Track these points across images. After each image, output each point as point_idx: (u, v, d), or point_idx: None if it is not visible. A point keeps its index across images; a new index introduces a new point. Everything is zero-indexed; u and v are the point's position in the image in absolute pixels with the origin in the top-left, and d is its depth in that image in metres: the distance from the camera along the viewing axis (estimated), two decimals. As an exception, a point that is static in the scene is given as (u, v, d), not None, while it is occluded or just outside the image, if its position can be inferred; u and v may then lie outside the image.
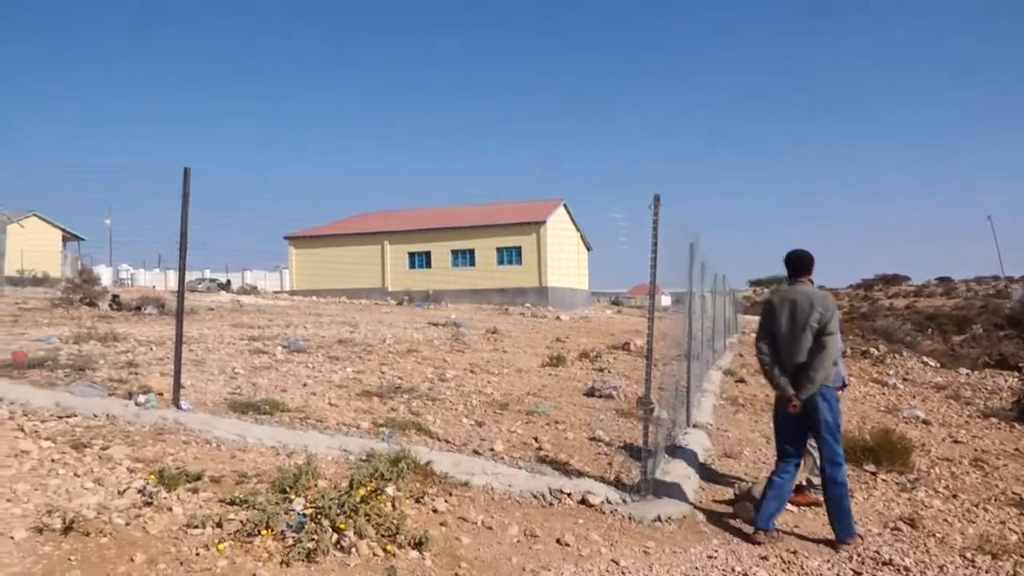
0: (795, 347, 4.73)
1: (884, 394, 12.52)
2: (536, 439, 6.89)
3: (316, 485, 4.65)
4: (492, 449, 6.35)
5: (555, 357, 13.14)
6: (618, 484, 5.39)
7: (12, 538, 3.72)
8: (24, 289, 34.37)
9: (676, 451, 6.51)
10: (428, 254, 43.52)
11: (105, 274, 41.76)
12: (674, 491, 5.34)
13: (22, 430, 5.74)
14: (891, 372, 16.07)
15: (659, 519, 4.87)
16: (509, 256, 41.87)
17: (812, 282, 4.98)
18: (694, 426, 7.99)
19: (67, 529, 3.81)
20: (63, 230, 50.83)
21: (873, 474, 6.48)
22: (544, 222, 40.90)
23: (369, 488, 4.34)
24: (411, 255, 44.04)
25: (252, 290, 44.18)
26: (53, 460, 5.05)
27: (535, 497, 5.10)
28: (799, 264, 4.96)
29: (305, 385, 8.78)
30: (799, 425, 4.83)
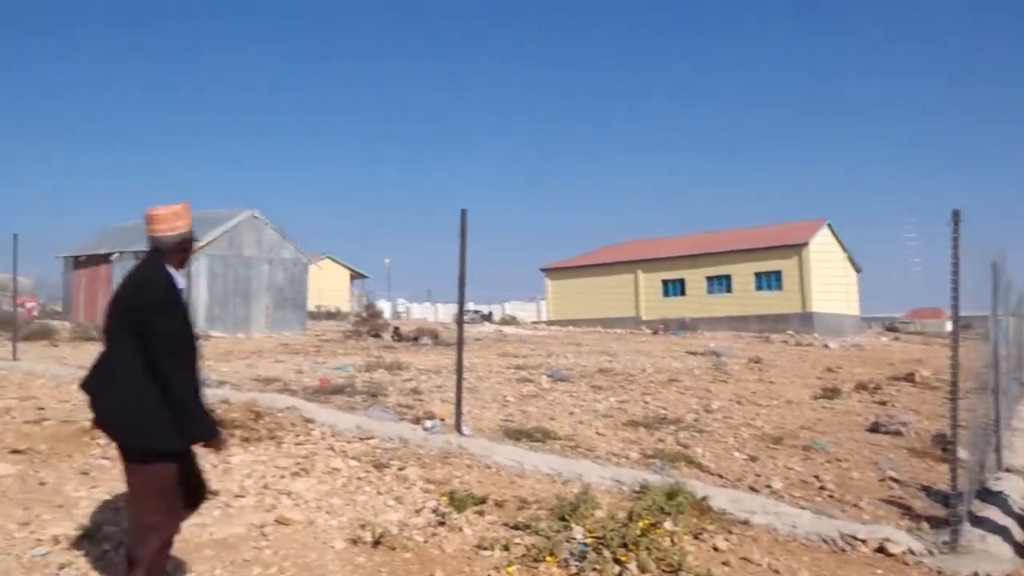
0: None
1: None
2: (817, 477, 6.43)
3: (594, 515, 4.71)
4: (769, 486, 6.04)
5: (828, 388, 12.25)
6: (920, 532, 4.86)
7: (332, 547, 4.18)
8: (321, 322, 38.93)
9: (987, 497, 5.73)
10: (682, 281, 42.85)
11: (385, 308, 46.09)
12: (990, 544, 4.69)
13: (332, 450, 6.47)
14: None
15: (976, 576, 4.31)
16: (768, 281, 39.96)
17: None
18: (1006, 470, 7.01)
19: (376, 543, 4.21)
20: (351, 269, 57.14)
21: None
22: (806, 244, 38.59)
23: (648, 521, 4.31)
24: (665, 283, 43.63)
25: (512, 321, 46.34)
26: (359, 478, 5.63)
27: (824, 541, 4.75)
28: None
29: (572, 414, 8.99)
30: None
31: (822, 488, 6.11)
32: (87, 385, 3.18)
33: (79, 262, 31.05)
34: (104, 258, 29.67)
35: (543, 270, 49.32)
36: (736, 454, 7.27)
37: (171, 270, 3.14)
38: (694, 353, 20.17)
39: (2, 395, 9.44)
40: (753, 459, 7.06)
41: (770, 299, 38.95)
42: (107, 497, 4.98)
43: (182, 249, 3.17)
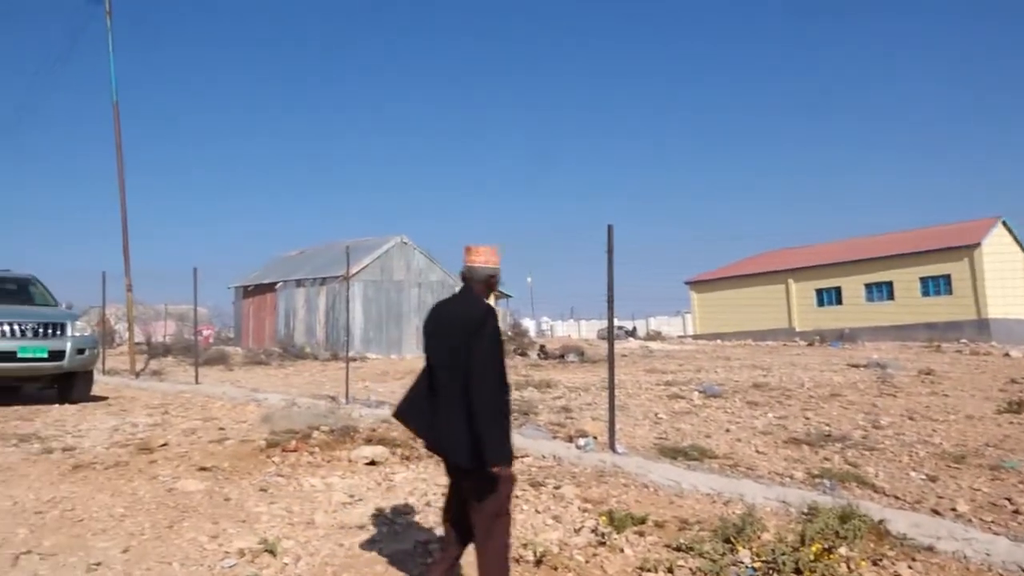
0: None
1: None
2: (1009, 500, 5.86)
3: (760, 537, 4.51)
4: (954, 509, 5.56)
5: (1015, 402, 11.17)
6: None
7: (499, 566, 4.23)
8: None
9: None
10: (838, 290, 40.69)
11: (530, 326, 46.57)
12: None
13: (489, 468, 6.57)
14: None
15: None
16: (936, 286, 37.22)
17: None
18: None
19: (538, 562, 4.22)
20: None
21: None
22: (978, 244, 35.65)
23: (821, 546, 4.08)
24: (819, 292, 41.60)
25: (656, 336, 45.59)
26: (517, 496, 5.67)
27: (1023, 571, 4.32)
28: None
29: (728, 431, 8.70)
30: None
31: (1016, 512, 5.56)
32: (408, 412, 3.56)
33: (248, 291, 33.44)
34: (270, 287, 31.79)
35: (688, 283, 48.29)
36: (912, 474, 6.76)
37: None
38: (856, 365, 19.02)
39: (188, 416, 10.28)
40: (932, 479, 6.54)
41: (939, 305, 36.23)
42: (284, 513, 5.30)
43: (490, 284, 3.51)
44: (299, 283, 29.74)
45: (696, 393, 12.27)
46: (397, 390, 13.68)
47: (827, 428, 8.97)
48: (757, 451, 7.58)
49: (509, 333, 28.49)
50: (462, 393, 3.19)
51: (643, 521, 4.95)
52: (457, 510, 3.47)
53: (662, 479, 6.10)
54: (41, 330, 11.55)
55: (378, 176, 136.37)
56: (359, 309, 26.89)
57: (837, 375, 16.16)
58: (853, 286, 40.04)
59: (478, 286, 3.45)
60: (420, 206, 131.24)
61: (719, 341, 40.12)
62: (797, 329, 40.94)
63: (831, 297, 41.38)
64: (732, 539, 4.42)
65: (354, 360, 16.51)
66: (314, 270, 29.75)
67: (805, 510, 5.19)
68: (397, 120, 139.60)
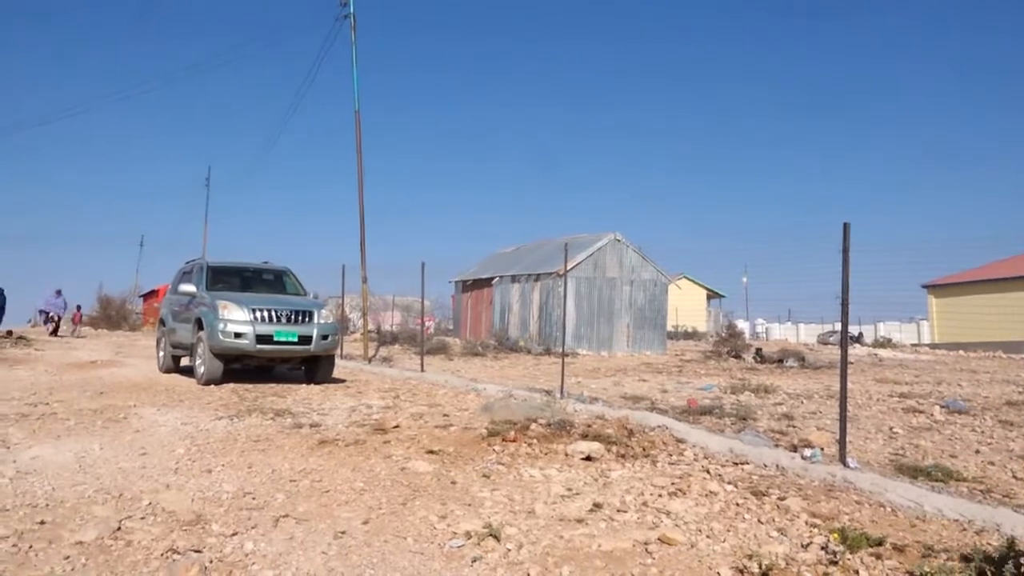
0: None
1: None
2: None
3: (1022, 573, 4.02)
4: None
5: None
6: None
7: (718, 573, 4.11)
8: (679, 342, 39.18)
9: None
10: (1115, 298, 35.23)
11: (744, 328, 44.81)
12: None
13: (707, 472, 6.41)
14: None
15: None
16: None
17: None
18: None
19: (764, 574, 4.05)
20: (708, 289, 56.71)
21: None
22: None
23: (1103, 591, 3.56)
24: (1089, 300, 36.26)
25: (887, 343, 42.03)
26: (737, 504, 5.49)
27: None
28: None
29: (977, 452, 7.82)
30: None
31: None
32: None
33: (466, 286, 35.10)
34: (487, 282, 33.15)
35: (925, 287, 44.04)
36: None
37: None
38: None
39: (415, 401, 10.99)
40: None
41: None
42: (506, 500, 5.50)
43: None
44: (514, 279, 30.71)
45: (937, 408, 11.15)
46: (609, 387, 13.74)
47: (1104, 457, 7.80)
48: (1015, 477, 6.75)
49: (723, 334, 27.55)
50: None
51: (880, 543, 4.58)
52: None
53: (900, 499, 5.62)
54: (293, 317, 12.88)
55: (595, 175, 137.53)
56: (571, 305, 27.28)
57: (1115, 397, 13.98)
58: None
59: None
60: (633, 205, 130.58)
61: (961, 352, 36.21)
62: (1061, 342, 35.95)
63: (1105, 306, 35.92)
64: (988, 573, 3.97)
65: (566, 355, 16.78)
66: (529, 266, 30.60)
67: (1081, 550, 4.55)
68: (617, 120, 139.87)
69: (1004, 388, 15.24)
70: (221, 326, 12.40)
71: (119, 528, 4.58)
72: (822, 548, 4.51)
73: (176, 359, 14.98)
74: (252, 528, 4.69)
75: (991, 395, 13.55)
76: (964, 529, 5.12)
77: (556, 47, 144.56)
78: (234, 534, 4.55)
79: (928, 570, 4.14)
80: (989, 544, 4.61)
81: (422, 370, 16.12)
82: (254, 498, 5.41)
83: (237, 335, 12.41)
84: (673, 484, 5.98)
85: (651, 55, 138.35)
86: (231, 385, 12.55)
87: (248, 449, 7.18)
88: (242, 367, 13.74)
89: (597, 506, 5.35)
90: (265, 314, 12.69)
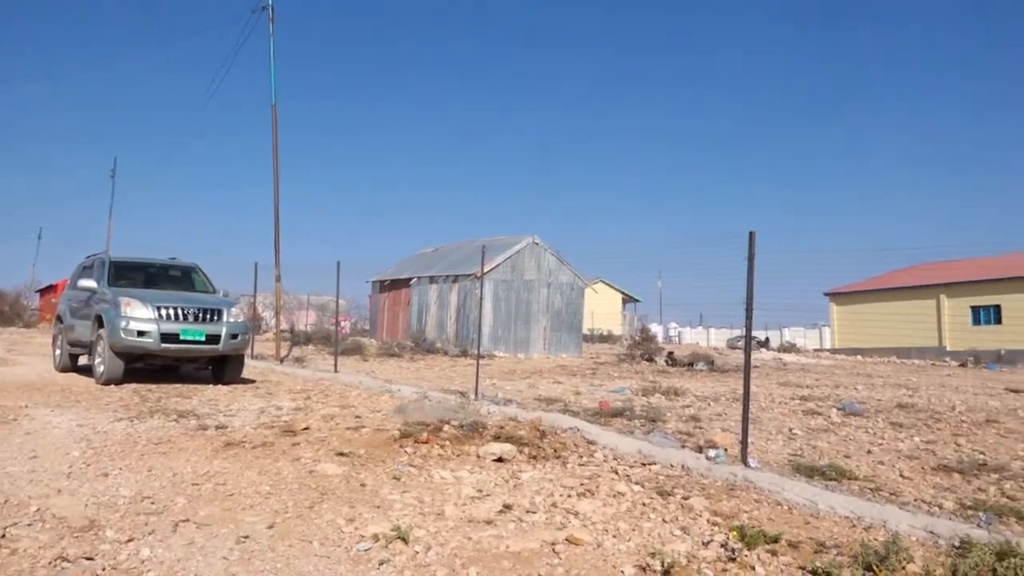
0: None
1: None
2: None
3: (905, 568, 4.25)
4: None
5: None
6: None
7: (622, 572, 4.20)
8: (594, 345, 39.77)
9: None
10: (998, 308, 37.67)
11: (657, 332, 45.87)
12: None
13: (616, 473, 6.54)
14: None
15: None
16: (1115, 308, 33.76)
17: None
18: None
19: (666, 572, 4.15)
20: (623, 293, 57.78)
21: None
22: None
23: (975, 583, 3.80)
24: (975, 309, 38.69)
25: (791, 348, 43.78)
26: (643, 504, 5.62)
27: None
28: None
29: (869, 452, 8.24)
30: None
31: None
32: None
33: (384, 286, 34.72)
34: (405, 282, 32.88)
35: (828, 295, 46.07)
36: (1082, 513, 6.16)
37: None
38: (1016, 391, 17.53)
39: (327, 403, 10.80)
40: (1107, 521, 5.94)
41: (1117, 329, 32.85)
42: (415, 502, 5.47)
43: None
44: (432, 279, 30.58)
45: (834, 410, 11.69)
46: (524, 389, 13.84)
47: (982, 456, 8.32)
48: (902, 476, 7.14)
49: (636, 338, 28.14)
50: None
51: (776, 540, 4.77)
52: None
53: (797, 497, 5.86)
54: (201, 315, 12.47)
55: (513, 178, 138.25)
56: (489, 307, 27.34)
57: (994, 400, 14.95)
58: (1016, 305, 36.90)
59: None
60: (552, 209, 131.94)
61: (859, 357, 38.08)
62: (948, 348, 38.21)
63: (989, 315, 38.35)
64: (874, 567, 4.19)
65: (482, 357, 16.81)
66: (447, 267, 30.53)
67: (956, 543, 4.85)
68: (528, 124, 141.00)
69: (896, 391, 16.09)
70: (123, 324, 11.91)
71: (3, 536, 4.34)
72: (722, 546, 4.66)
73: (74, 357, 14.30)
74: (149, 534, 4.52)
75: (883, 398, 14.28)
76: (854, 526, 5.38)
77: (470, 48, 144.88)
78: (130, 540, 4.37)
79: (819, 565, 4.33)
80: (876, 539, 4.86)
81: (336, 371, 15.87)
82: (153, 503, 5.21)
83: (140, 333, 11.94)
84: (582, 485, 6.07)
85: (570, 57, 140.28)
86: (133, 385, 12.07)
87: (149, 452, 6.91)
88: (145, 367, 13.23)
89: (507, 507, 5.38)
90: (171, 312, 12.25)
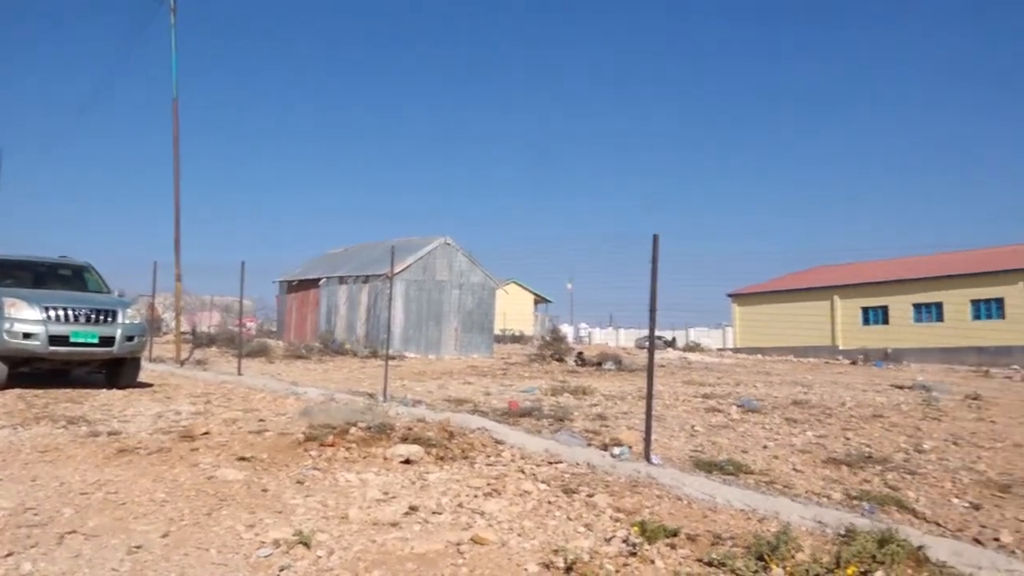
0: None
1: None
2: (1058, 534, 5.69)
3: (795, 557, 4.45)
4: (997, 539, 5.41)
5: (1066, 432, 10.83)
6: None
7: (526, 570, 4.24)
8: (506, 345, 39.96)
9: None
10: (885, 309, 39.89)
11: (568, 332, 46.49)
12: None
13: (522, 472, 6.59)
14: None
15: None
16: (988, 309, 36.27)
17: None
18: None
19: (568, 569, 4.22)
20: (535, 294, 58.31)
21: None
22: (1034, 268, 34.65)
23: (857, 568, 4.02)
24: (865, 310, 40.84)
25: (696, 347, 45.15)
26: (549, 502, 5.69)
27: (1069, 607, 4.19)
28: None
29: (765, 447, 8.59)
30: None
31: (1065, 546, 5.39)
32: None
33: (292, 286, 33.94)
34: (314, 283, 32.23)
35: (730, 296, 47.74)
36: (955, 500, 6.59)
37: None
38: (900, 387, 18.63)
39: (229, 407, 10.48)
40: (976, 507, 6.37)
41: (990, 329, 35.27)
42: (319, 506, 5.37)
43: None
44: (342, 280, 30.09)
45: (734, 407, 12.13)
46: (434, 390, 13.79)
47: (868, 449, 8.80)
48: (795, 469, 7.47)
49: (547, 338, 28.44)
50: None
51: (675, 534, 4.91)
52: None
53: (696, 492, 6.05)
54: (93, 316, 11.88)
55: (425, 179, 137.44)
56: (400, 308, 27.11)
57: (880, 395, 15.84)
58: (901, 306, 39.19)
59: None
60: (464, 210, 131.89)
61: (759, 355, 39.60)
62: (840, 347, 40.20)
63: (877, 316, 40.58)
64: (766, 557, 4.36)
65: (393, 358, 16.65)
66: (358, 268, 30.09)
67: (842, 532, 5.11)
68: (437, 124, 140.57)
69: (792, 389, 16.83)
70: (7, 325, 11.23)
71: None
72: (623, 541, 4.77)
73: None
74: (32, 547, 4.28)
75: (780, 395, 14.91)
76: (749, 518, 5.59)
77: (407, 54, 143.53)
78: (9, 555, 4.13)
79: (715, 557, 4.49)
80: (769, 530, 5.07)
81: (239, 373, 15.41)
82: (36, 514, 4.94)
83: (26, 335, 11.29)
84: (489, 485, 6.10)
85: (497, 54, 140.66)
86: (17, 391, 11.39)
87: (33, 460, 6.55)
88: (32, 371, 12.51)
89: (413, 509, 5.35)
90: (60, 313, 11.62)
